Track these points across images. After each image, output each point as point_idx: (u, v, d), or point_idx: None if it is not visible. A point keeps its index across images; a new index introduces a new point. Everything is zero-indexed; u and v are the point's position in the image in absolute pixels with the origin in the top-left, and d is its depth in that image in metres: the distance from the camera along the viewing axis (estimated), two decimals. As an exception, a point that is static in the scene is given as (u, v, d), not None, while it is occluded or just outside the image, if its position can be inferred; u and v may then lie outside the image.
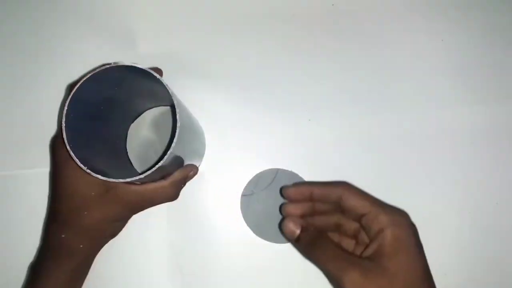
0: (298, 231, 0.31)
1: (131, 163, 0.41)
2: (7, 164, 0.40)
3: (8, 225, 0.40)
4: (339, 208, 0.33)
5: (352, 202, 0.32)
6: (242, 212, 0.41)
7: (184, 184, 0.36)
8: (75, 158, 0.28)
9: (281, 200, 0.41)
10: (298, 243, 0.32)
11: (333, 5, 0.45)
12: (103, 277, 0.39)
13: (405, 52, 0.45)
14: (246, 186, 0.41)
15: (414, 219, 0.42)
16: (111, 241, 0.37)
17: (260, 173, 0.41)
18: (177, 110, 0.29)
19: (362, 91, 0.44)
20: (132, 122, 0.42)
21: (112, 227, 0.35)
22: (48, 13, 0.43)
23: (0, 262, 0.40)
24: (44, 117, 0.41)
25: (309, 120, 0.43)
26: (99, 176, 0.28)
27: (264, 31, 0.44)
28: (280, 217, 0.41)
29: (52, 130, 0.41)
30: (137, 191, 0.32)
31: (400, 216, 0.31)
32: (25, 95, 0.42)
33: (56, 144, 0.33)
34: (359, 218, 0.32)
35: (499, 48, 0.46)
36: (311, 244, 0.31)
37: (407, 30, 0.45)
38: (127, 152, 0.41)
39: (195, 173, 0.37)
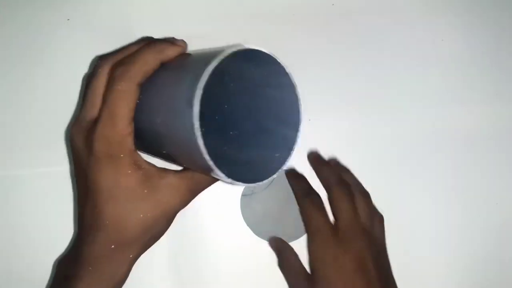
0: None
1: None
2: (7, 164, 0.40)
3: (8, 225, 0.40)
4: None
5: (301, 212, 0.38)
6: (242, 212, 0.41)
7: None
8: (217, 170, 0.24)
9: (281, 200, 0.41)
10: (277, 256, 0.39)
11: (333, 4, 0.45)
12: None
13: (405, 52, 0.45)
14: (246, 186, 0.41)
15: (414, 218, 0.42)
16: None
17: None
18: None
19: (362, 91, 0.44)
20: None
21: (165, 225, 0.31)
22: (46, 12, 0.43)
23: (0, 262, 0.40)
24: (44, 116, 0.41)
25: (309, 120, 0.43)
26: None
27: (264, 30, 0.44)
28: (280, 216, 0.41)
29: (52, 130, 0.40)
30: (188, 177, 0.30)
31: (328, 247, 0.35)
32: (24, 95, 0.41)
33: (92, 141, 0.28)
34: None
35: (499, 48, 0.46)
36: (281, 260, 0.39)
37: (407, 30, 0.45)
38: None
39: None
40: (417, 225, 0.42)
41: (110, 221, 0.29)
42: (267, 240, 0.40)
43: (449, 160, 0.43)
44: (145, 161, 0.30)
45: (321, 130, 0.43)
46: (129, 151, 0.28)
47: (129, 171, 0.28)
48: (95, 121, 0.29)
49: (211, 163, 0.24)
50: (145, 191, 0.29)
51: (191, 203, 0.41)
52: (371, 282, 0.34)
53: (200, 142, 0.23)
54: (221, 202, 0.41)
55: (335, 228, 0.36)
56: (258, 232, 0.41)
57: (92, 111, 0.29)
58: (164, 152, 0.30)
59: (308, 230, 0.36)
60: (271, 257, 0.40)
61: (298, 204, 0.38)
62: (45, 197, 0.39)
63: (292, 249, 0.39)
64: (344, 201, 0.36)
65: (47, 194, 0.39)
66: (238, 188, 0.41)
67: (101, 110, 0.29)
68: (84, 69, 0.41)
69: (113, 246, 0.29)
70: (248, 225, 0.41)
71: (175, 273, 0.40)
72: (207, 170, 0.25)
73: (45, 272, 0.37)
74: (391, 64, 0.44)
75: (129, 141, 0.28)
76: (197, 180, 0.31)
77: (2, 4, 0.43)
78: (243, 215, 0.41)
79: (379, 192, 0.40)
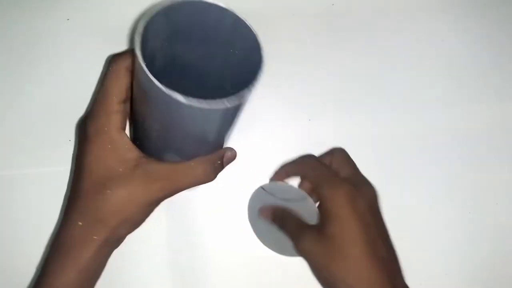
0: (269, 218, 0.38)
1: None
2: (7, 164, 0.40)
3: (8, 225, 0.40)
4: None
5: (307, 173, 0.37)
6: (249, 204, 0.39)
7: (221, 165, 0.34)
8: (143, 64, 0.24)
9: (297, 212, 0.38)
10: (275, 222, 0.37)
11: (333, 4, 0.45)
12: (101, 277, 0.39)
13: (405, 52, 0.45)
14: (270, 182, 0.40)
15: (414, 218, 0.42)
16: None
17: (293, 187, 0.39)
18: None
19: (362, 91, 0.44)
20: None
21: (136, 213, 0.30)
22: (47, 12, 0.43)
23: (0, 262, 0.40)
24: (44, 116, 0.41)
25: (309, 120, 0.43)
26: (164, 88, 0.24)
27: (263, 30, 0.44)
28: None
29: (52, 130, 0.40)
30: (168, 168, 0.30)
31: (341, 187, 0.34)
32: (24, 95, 0.41)
33: (86, 121, 0.30)
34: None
35: (499, 48, 0.46)
36: (280, 221, 0.37)
37: (407, 30, 0.45)
38: None
39: (234, 156, 0.35)
40: (417, 224, 0.42)
41: (83, 197, 0.29)
42: (261, 240, 0.39)
43: (449, 160, 0.43)
44: (132, 144, 0.30)
45: (321, 130, 0.43)
46: (114, 128, 0.30)
47: (109, 146, 0.29)
48: None
49: (153, 79, 0.24)
50: (120, 169, 0.29)
51: (192, 201, 0.41)
52: (379, 222, 0.35)
53: (140, 57, 0.24)
54: (222, 200, 0.41)
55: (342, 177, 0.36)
56: (258, 232, 0.40)
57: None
58: (145, 124, 0.30)
59: (318, 178, 0.35)
60: (272, 256, 0.40)
61: (296, 169, 0.38)
62: (45, 197, 0.39)
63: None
64: (344, 159, 0.37)
65: (47, 194, 0.39)
66: (236, 188, 0.41)
67: (97, 92, 0.31)
68: (83, 68, 0.41)
69: (80, 223, 0.29)
70: (250, 220, 0.39)
71: (175, 272, 0.40)
72: (158, 95, 0.24)
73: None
74: (391, 64, 0.44)
75: (116, 119, 0.30)
76: (178, 175, 0.30)
77: (2, 4, 0.43)
78: (249, 207, 0.39)
79: (379, 192, 0.40)
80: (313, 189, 0.37)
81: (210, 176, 0.33)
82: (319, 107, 0.43)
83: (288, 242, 0.36)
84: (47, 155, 0.40)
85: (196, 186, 0.32)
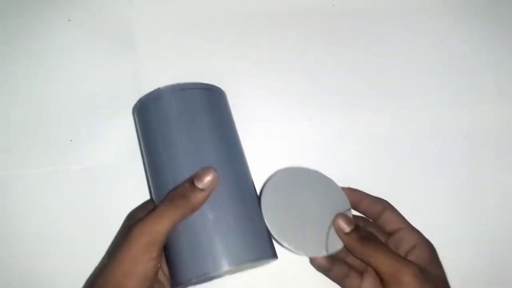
0: (348, 229, 0.34)
1: None
2: (7, 164, 0.40)
3: (7, 225, 0.40)
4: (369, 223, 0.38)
5: (391, 216, 0.37)
6: (268, 185, 0.36)
7: (193, 188, 0.30)
8: None
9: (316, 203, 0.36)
10: (349, 236, 0.34)
11: (333, 5, 0.45)
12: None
13: (405, 52, 0.45)
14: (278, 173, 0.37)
15: (414, 218, 0.42)
16: (110, 242, 0.37)
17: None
18: None
19: (362, 91, 0.44)
20: None
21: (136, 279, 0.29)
22: (48, 13, 0.43)
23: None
24: (45, 116, 0.41)
25: (309, 120, 0.43)
26: None
27: (263, 30, 0.44)
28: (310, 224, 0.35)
29: (52, 130, 0.40)
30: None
31: (424, 236, 0.36)
32: (25, 95, 0.41)
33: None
34: (389, 232, 0.37)
35: (499, 48, 0.46)
36: (364, 239, 0.33)
37: (407, 30, 0.45)
38: None
39: (211, 174, 0.31)
40: (418, 224, 0.42)
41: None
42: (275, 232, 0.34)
43: (449, 160, 0.43)
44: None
45: (321, 130, 0.43)
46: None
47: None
48: None
49: None
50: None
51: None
52: None
53: None
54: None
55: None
56: (273, 217, 0.34)
57: None
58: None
59: (400, 224, 0.36)
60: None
61: (374, 204, 0.37)
62: (45, 197, 0.39)
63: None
64: (400, 216, 0.37)
65: (47, 194, 0.39)
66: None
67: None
68: (84, 68, 0.41)
69: None
70: (264, 207, 0.34)
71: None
72: None
73: (44, 272, 0.37)
74: (391, 64, 0.44)
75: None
76: (147, 222, 0.30)
77: (3, 4, 0.43)
78: (266, 190, 0.35)
79: (378, 192, 0.40)
80: (390, 234, 0.37)
81: (181, 205, 0.30)
82: (319, 107, 0.43)
83: (314, 239, 0.34)
84: (47, 155, 0.40)
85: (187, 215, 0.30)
